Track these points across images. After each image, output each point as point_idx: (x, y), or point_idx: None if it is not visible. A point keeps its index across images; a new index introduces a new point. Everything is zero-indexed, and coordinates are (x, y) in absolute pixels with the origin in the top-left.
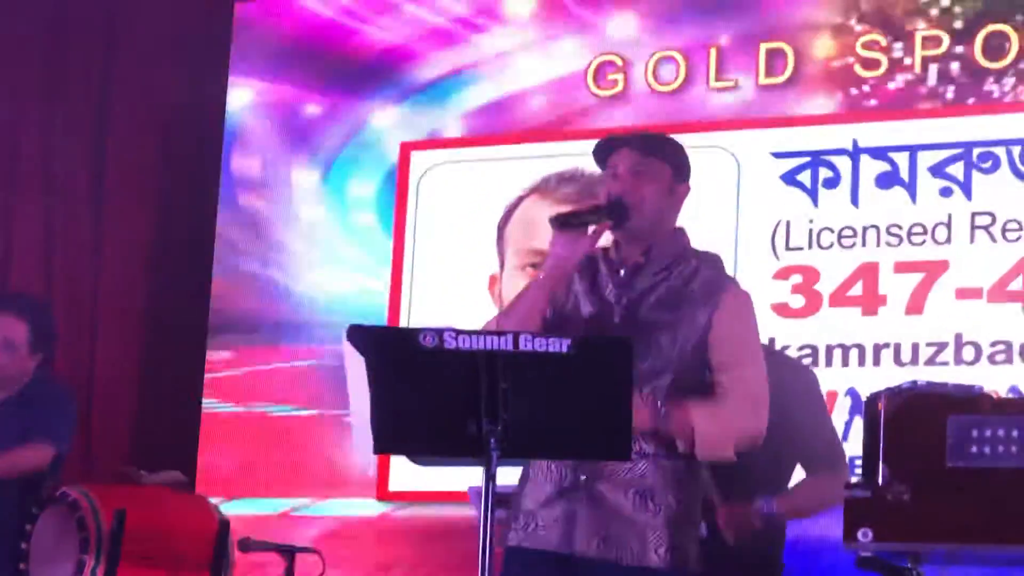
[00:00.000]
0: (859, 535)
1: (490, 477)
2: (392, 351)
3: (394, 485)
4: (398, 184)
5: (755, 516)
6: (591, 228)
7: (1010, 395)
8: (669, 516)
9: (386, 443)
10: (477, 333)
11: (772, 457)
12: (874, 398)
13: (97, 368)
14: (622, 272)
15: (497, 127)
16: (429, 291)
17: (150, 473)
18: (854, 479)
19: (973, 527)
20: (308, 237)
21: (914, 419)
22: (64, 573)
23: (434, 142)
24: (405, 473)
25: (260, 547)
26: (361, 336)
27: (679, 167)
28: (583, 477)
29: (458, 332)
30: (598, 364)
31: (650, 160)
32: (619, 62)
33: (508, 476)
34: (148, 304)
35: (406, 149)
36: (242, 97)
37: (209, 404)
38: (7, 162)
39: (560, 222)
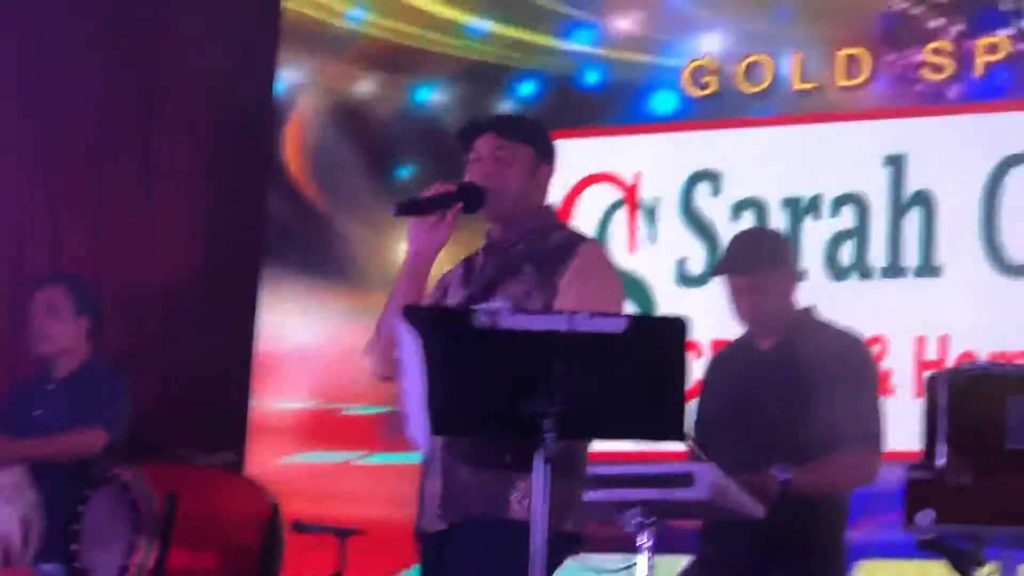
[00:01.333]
0: (920, 517)
1: (545, 460)
2: (446, 331)
3: None
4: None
5: (771, 483)
6: (449, 214)
7: None
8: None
9: (442, 424)
10: (530, 312)
11: (794, 424)
12: (934, 378)
13: (148, 348)
14: (480, 254)
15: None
16: None
17: (201, 454)
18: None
19: None
20: (365, 221)
21: (975, 400)
22: (115, 554)
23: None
24: None
25: (312, 529)
26: (415, 316)
27: (542, 149)
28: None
29: (511, 312)
30: (652, 343)
31: (511, 144)
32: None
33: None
34: (197, 286)
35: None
36: (292, 75)
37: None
38: (57, 142)
39: (402, 209)
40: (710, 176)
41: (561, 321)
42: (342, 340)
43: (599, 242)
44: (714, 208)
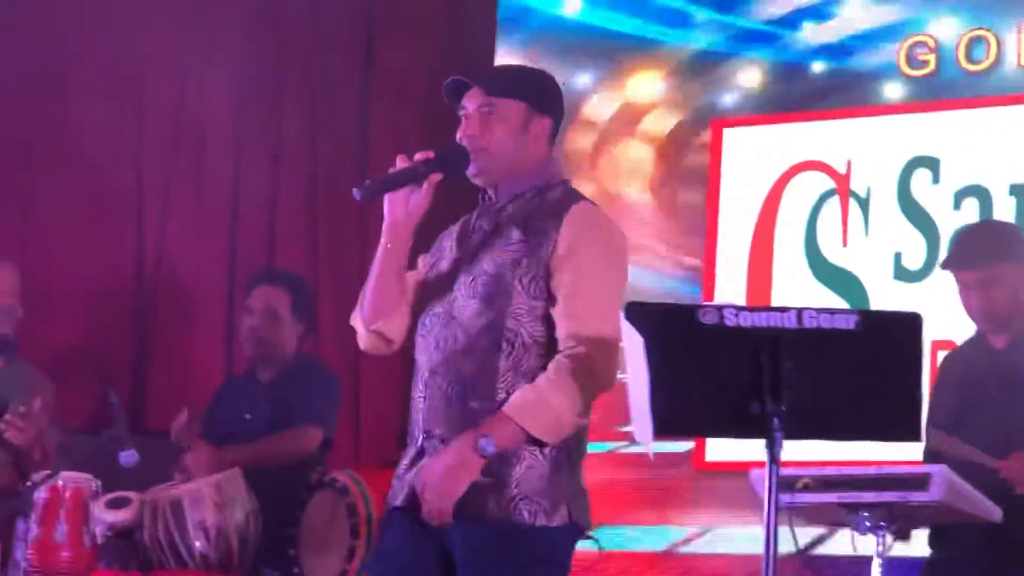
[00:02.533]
0: None
1: (773, 459)
2: (671, 329)
3: (711, 455)
4: (711, 161)
5: None
6: (424, 185)
7: None
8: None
9: (667, 424)
10: (758, 309)
11: None
12: None
13: (364, 353)
14: (476, 221)
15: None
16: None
17: None
18: None
19: None
20: None
21: None
22: (334, 560)
23: (746, 119)
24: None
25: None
26: (640, 314)
27: (538, 102)
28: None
29: (739, 309)
30: (886, 340)
31: (498, 100)
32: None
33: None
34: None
35: (717, 126)
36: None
37: None
38: (274, 141)
39: (367, 192)
40: (928, 162)
41: (790, 318)
42: None
43: (590, 204)
44: (933, 197)
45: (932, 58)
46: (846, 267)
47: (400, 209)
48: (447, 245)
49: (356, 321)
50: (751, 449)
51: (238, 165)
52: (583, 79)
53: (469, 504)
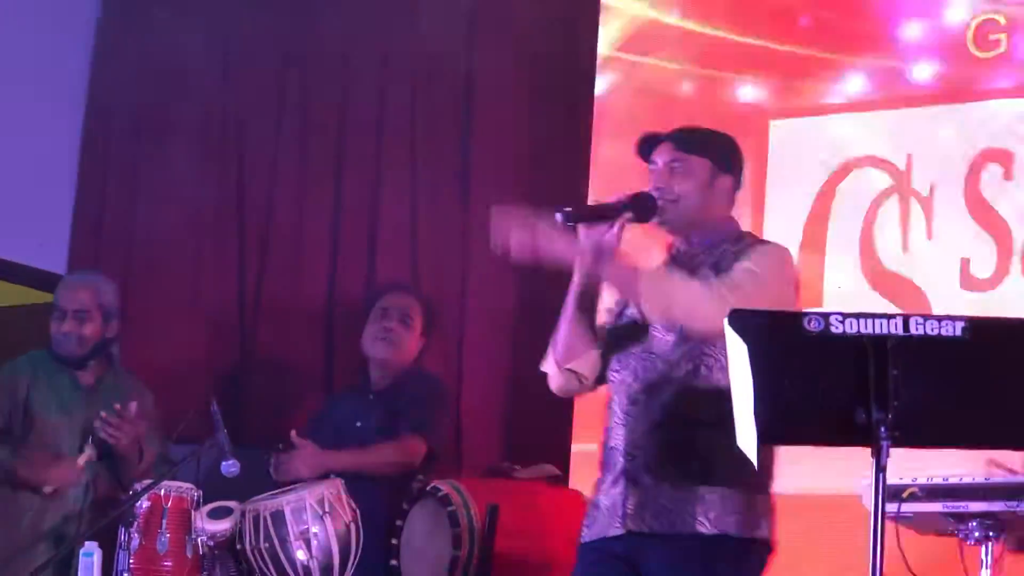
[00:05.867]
0: None
1: (881, 468)
2: (776, 336)
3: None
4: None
5: None
6: (617, 223)
7: None
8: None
9: (771, 433)
10: (864, 316)
11: None
12: None
13: (466, 361)
14: (666, 264)
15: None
16: None
17: (522, 467)
18: None
19: None
20: None
21: None
22: (436, 569)
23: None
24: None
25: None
26: (743, 321)
27: (721, 161)
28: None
29: (844, 315)
30: (995, 348)
31: (687, 156)
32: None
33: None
34: (517, 297)
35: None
36: (610, 77)
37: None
38: (373, 152)
39: (569, 217)
40: (999, 157)
41: (897, 325)
42: None
43: (786, 248)
44: (1005, 196)
45: (1003, 37)
46: (906, 275)
47: (596, 241)
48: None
49: (548, 364)
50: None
51: (340, 186)
52: (687, 84)
53: None
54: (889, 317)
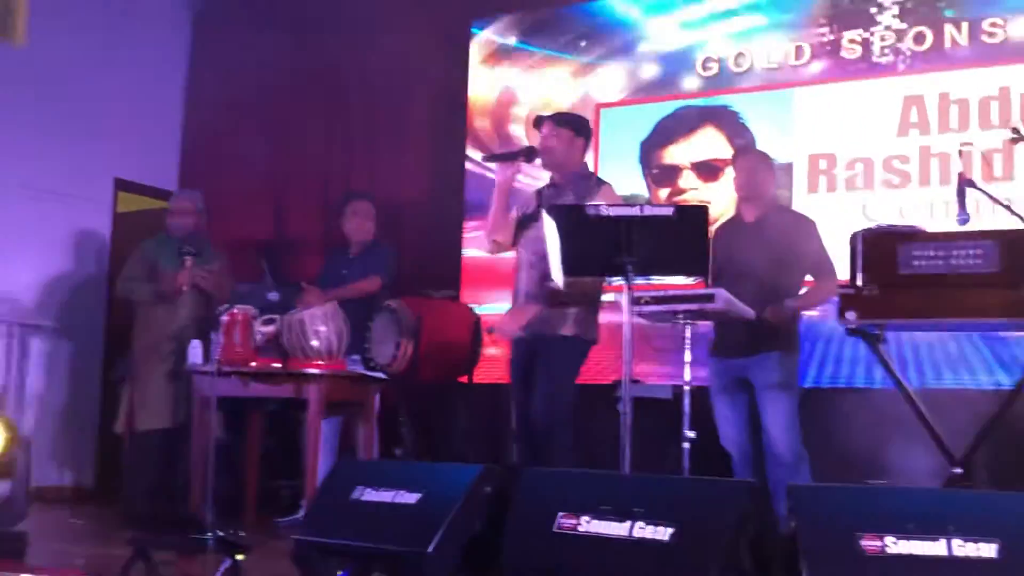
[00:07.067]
0: (848, 315)
1: (630, 289)
2: (571, 217)
3: None
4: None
5: (787, 310)
6: (516, 162)
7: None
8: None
9: (570, 268)
10: (620, 206)
11: (790, 274)
12: (855, 234)
13: (401, 237)
14: (545, 190)
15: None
16: None
17: (434, 291)
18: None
19: (914, 310)
20: None
21: (880, 246)
22: (389, 349)
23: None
24: None
25: (501, 333)
26: (556, 211)
27: (578, 130)
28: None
29: (610, 205)
30: (690, 220)
31: (558, 128)
32: None
33: None
34: (423, 202)
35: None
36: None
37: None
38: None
39: (487, 158)
40: None
41: (636, 211)
42: None
43: (610, 185)
44: None
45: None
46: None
47: (501, 174)
48: (543, 197)
49: (484, 236)
50: None
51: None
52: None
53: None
54: (632, 206)
